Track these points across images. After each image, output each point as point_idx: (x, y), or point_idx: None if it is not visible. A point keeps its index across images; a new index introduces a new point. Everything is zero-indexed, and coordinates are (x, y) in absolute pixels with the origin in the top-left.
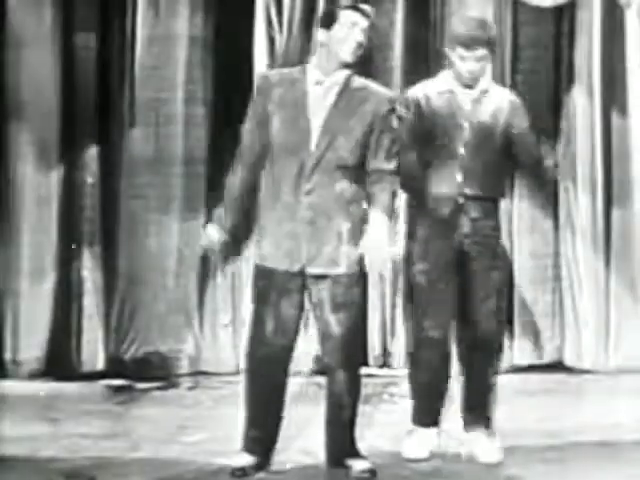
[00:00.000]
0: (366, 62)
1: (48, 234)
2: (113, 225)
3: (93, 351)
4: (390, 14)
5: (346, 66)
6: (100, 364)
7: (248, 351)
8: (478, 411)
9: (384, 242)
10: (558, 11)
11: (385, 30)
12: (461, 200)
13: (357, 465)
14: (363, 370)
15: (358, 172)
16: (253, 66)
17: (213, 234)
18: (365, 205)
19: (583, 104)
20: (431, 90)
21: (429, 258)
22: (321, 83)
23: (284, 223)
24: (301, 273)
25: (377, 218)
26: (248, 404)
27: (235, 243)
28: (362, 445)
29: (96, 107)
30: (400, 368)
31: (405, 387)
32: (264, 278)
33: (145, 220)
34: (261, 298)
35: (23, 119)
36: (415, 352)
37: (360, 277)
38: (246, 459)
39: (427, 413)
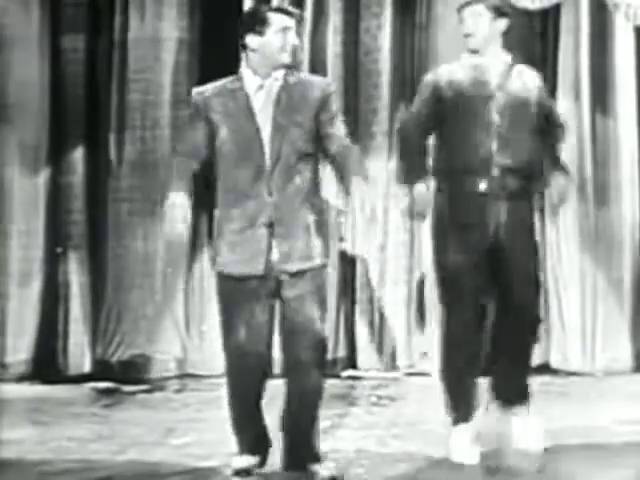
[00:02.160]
0: (354, 65)
1: (35, 237)
2: (100, 228)
3: (80, 354)
4: (378, 17)
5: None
6: (87, 367)
7: (226, 361)
8: (519, 391)
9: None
10: (544, 14)
11: (373, 32)
12: (496, 172)
13: (322, 471)
14: (351, 372)
15: (316, 160)
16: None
17: (181, 200)
18: (323, 197)
19: (569, 106)
20: (454, 69)
21: (460, 250)
22: (262, 87)
23: (244, 229)
24: (266, 276)
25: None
26: (234, 410)
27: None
28: (349, 447)
29: (83, 110)
30: (389, 370)
31: (393, 389)
32: (229, 286)
33: (132, 223)
34: (229, 306)
35: (10, 122)
36: (445, 350)
37: (326, 270)
38: (247, 460)
39: (463, 410)
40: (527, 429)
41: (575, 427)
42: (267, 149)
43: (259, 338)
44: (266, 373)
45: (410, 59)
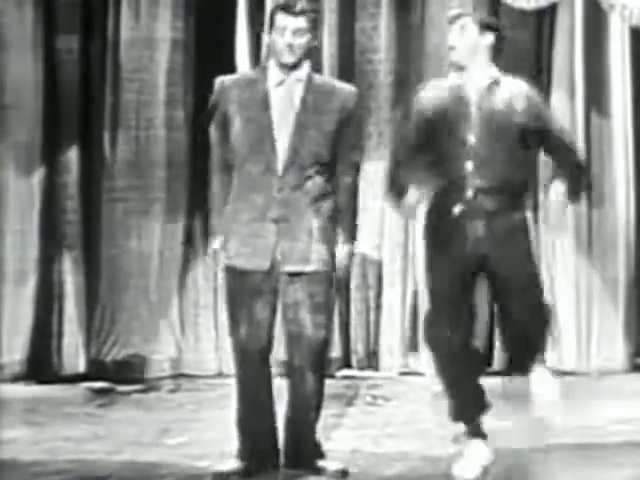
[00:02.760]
0: (350, 65)
1: (30, 237)
2: (94, 228)
3: (74, 354)
4: (374, 17)
5: (293, 65)
6: (81, 367)
7: (233, 357)
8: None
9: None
10: (539, 14)
11: (369, 33)
12: (471, 193)
13: (330, 466)
14: (346, 372)
15: (331, 168)
16: (235, 69)
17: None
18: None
19: (564, 106)
20: (438, 88)
21: (442, 265)
22: (282, 83)
23: (252, 222)
24: (271, 272)
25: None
26: (239, 409)
27: None
28: (344, 447)
29: (78, 110)
30: (384, 370)
31: (388, 389)
32: (235, 279)
33: (126, 223)
34: (234, 300)
35: (4, 122)
36: (439, 365)
37: (330, 277)
38: (231, 465)
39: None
40: (544, 383)
41: (570, 426)
42: (280, 145)
43: (260, 334)
44: (266, 370)
45: (406, 59)
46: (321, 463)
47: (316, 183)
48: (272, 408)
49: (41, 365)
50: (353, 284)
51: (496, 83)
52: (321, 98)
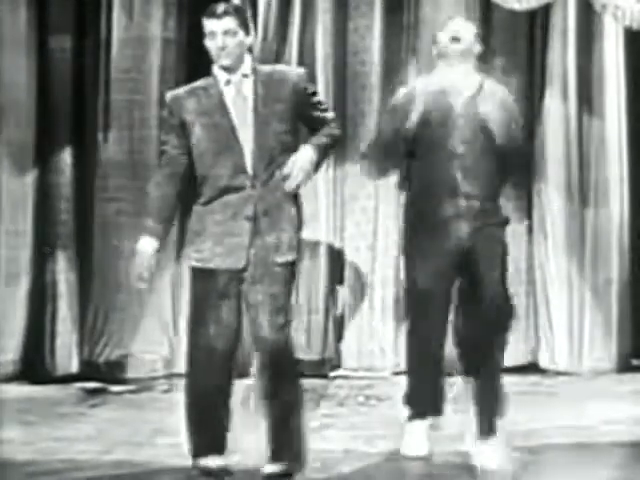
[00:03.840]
0: (343, 65)
1: (23, 237)
2: (87, 228)
3: (67, 354)
4: (367, 17)
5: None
6: (74, 367)
7: (189, 357)
8: (486, 416)
9: (307, 163)
10: (531, 15)
11: (362, 33)
12: (463, 202)
13: (269, 469)
14: (338, 372)
15: (296, 146)
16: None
17: (146, 248)
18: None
19: (557, 107)
20: (421, 92)
21: (427, 263)
22: (230, 82)
23: (226, 221)
24: (243, 272)
25: (305, 148)
26: (190, 410)
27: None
28: (338, 447)
29: (71, 110)
30: (375, 370)
31: (380, 389)
32: (203, 281)
33: (119, 223)
34: (200, 303)
35: None
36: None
37: (294, 267)
38: (217, 461)
39: (419, 402)
40: (493, 451)
41: (563, 426)
42: (246, 142)
43: (226, 336)
44: (231, 372)
45: (399, 60)
46: (266, 467)
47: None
48: (225, 412)
49: (34, 365)
50: (346, 283)
51: (480, 90)
52: (272, 87)
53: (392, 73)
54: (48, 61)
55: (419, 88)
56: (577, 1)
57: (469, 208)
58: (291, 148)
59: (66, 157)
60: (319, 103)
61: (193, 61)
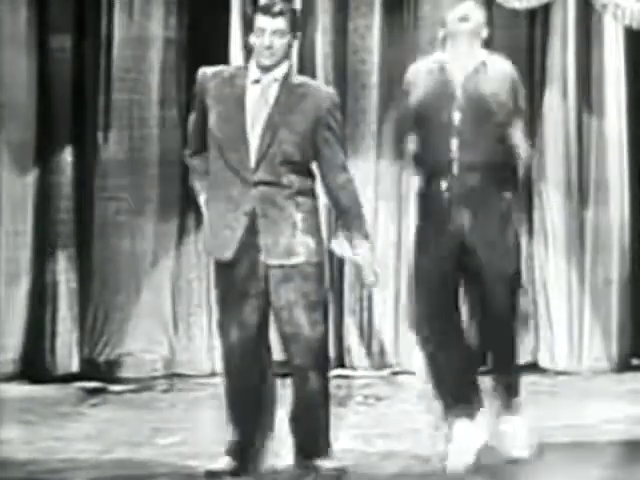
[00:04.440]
0: (343, 65)
1: (23, 237)
2: (87, 227)
3: (67, 353)
4: (367, 17)
5: (272, 66)
6: (74, 366)
7: (222, 354)
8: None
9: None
10: (531, 14)
11: (362, 33)
12: (456, 171)
13: (326, 463)
14: (338, 372)
15: (304, 168)
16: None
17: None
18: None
19: (557, 106)
20: (421, 68)
21: (428, 250)
22: (259, 81)
23: (226, 213)
24: (255, 273)
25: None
26: (227, 407)
27: None
28: (337, 446)
29: (71, 109)
30: (377, 370)
31: (381, 389)
32: (221, 271)
33: (119, 222)
34: (223, 294)
35: None
36: (426, 352)
37: (322, 268)
38: (223, 463)
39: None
40: (515, 435)
41: (563, 426)
42: (252, 143)
43: (249, 335)
44: (261, 371)
45: (399, 59)
46: (319, 461)
47: (291, 180)
48: (260, 411)
49: (34, 365)
50: (346, 283)
51: (483, 65)
52: (294, 98)
53: (392, 72)
54: (48, 61)
55: (423, 65)
56: (577, 1)
57: (465, 181)
58: (298, 164)
59: (66, 157)
60: (335, 137)
61: (194, 61)
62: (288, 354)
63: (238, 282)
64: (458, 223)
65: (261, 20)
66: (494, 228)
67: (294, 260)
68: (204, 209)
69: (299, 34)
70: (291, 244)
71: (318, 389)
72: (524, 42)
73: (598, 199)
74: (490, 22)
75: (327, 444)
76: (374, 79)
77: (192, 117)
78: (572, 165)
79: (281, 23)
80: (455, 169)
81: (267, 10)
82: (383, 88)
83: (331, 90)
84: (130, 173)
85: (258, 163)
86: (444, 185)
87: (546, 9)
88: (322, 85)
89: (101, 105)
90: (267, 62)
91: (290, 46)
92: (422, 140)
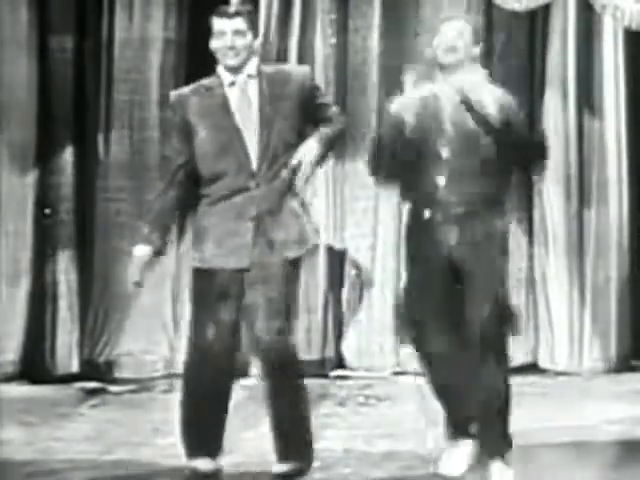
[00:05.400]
0: (343, 65)
1: (23, 237)
2: (88, 228)
3: (67, 354)
4: (367, 17)
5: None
6: (74, 367)
7: (186, 358)
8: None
9: (312, 155)
10: (531, 16)
11: (362, 33)
12: (444, 205)
13: (278, 468)
14: (339, 372)
15: (300, 144)
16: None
17: (141, 254)
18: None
19: (557, 107)
20: (411, 100)
21: (417, 268)
22: (234, 83)
23: (229, 221)
24: (247, 272)
25: (309, 141)
26: (187, 411)
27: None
28: (338, 447)
29: (71, 110)
30: (375, 370)
31: (380, 389)
32: (203, 281)
33: (120, 223)
34: (200, 302)
35: None
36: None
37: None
38: (207, 464)
39: (458, 424)
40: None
41: (562, 426)
42: (249, 144)
43: (225, 337)
44: (232, 373)
45: (399, 59)
46: (275, 467)
47: (287, 171)
48: (224, 414)
49: (34, 365)
50: (345, 284)
51: (472, 91)
52: (277, 86)
53: (392, 73)
54: (49, 61)
55: (412, 96)
56: (577, 1)
57: (453, 213)
58: (295, 145)
59: (67, 157)
60: (323, 100)
61: (194, 61)
62: (261, 358)
63: (221, 285)
64: (447, 246)
65: (219, 23)
66: (484, 261)
67: (308, 246)
68: (139, 256)
69: (260, 34)
70: (300, 232)
71: (295, 391)
72: (524, 43)
73: (598, 199)
74: (490, 23)
75: (308, 451)
76: (374, 79)
77: (172, 143)
78: (572, 165)
79: (240, 23)
80: (441, 204)
81: (224, 13)
82: (383, 88)
83: (306, 67)
84: (130, 174)
85: (260, 162)
86: (427, 213)
87: (546, 10)
88: (294, 66)
89: (101, 106)
90: (233, 62)
91: (252, 46)
92: (411, 171)
